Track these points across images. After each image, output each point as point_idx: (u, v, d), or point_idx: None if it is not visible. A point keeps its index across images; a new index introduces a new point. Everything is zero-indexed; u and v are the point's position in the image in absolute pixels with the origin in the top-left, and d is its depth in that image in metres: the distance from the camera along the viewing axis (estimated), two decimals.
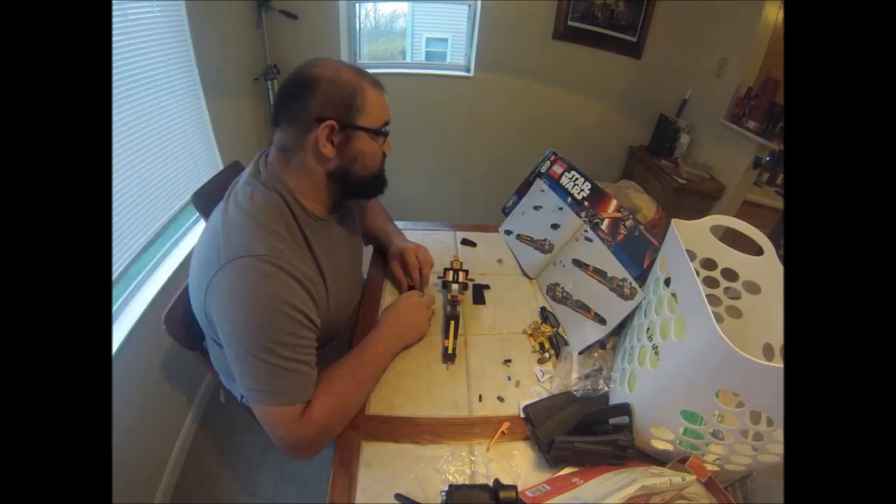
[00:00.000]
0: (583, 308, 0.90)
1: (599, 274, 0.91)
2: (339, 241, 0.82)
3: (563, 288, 0.97)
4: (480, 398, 0.76)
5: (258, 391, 0.62)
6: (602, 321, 0.84)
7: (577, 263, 0.97)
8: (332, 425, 0.67)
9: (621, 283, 0.85)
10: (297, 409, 0.63)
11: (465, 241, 1.17)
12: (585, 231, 0.98)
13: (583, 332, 0.86)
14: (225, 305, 0.62)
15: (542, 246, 1.06)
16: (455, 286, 0.92)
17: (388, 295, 0.98)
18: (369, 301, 0.95)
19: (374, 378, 0.76)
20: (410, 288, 0.96)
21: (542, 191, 1.13)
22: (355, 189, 0.77)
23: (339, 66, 0.69)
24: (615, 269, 0.89)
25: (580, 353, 0.82)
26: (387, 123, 0.74)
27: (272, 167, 0.71)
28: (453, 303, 0.90)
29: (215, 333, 0.66)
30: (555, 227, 1.05)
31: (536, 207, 1.12)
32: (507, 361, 0.83)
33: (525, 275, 1.07)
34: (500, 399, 0.76)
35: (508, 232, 1.17)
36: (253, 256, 0.61)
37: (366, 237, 1.07)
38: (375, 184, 0.79)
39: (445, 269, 0.97)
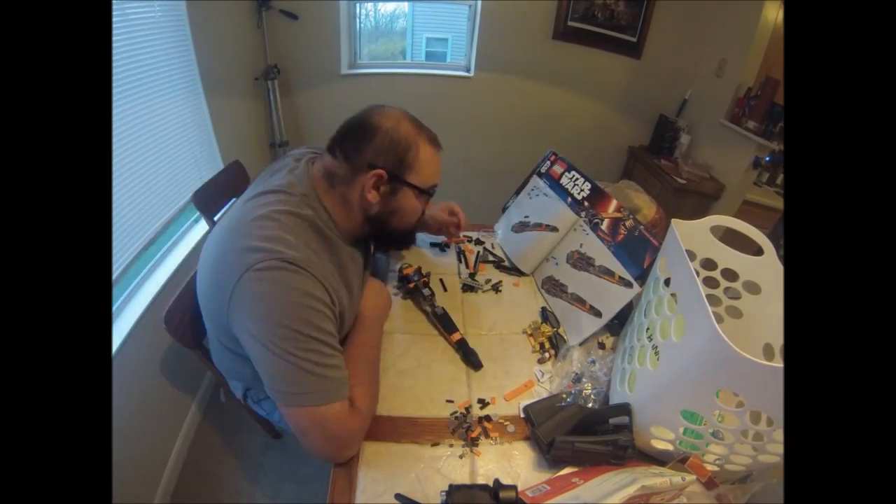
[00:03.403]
0: (578, 301, 0.91)
1: (589, 263, 0.93)
2: (356, 262, 0.80)
3: (558, 281, 0.98)
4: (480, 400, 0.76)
5: (303, 394, 0.58)
6: (597, 313, 0.85)
7: (569, 257, 0.98)
8: (373, 412, 0.69)
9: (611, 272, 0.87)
10: (345, 404, 0.61)
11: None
12: (582, 227, 0.99)
13: (579, 325, 0.87)
14: (257, 307, 0.58)
15: (542, 226, 1.06)
16: (426, 290, 0.93)
17: None
18: None
19: (379, 361, 0.78)
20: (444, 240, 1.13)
21: (535, 188, 1.13)
22: (386, 237, 0.80)
23: (401, 117, 0.71)
24: (605, 259, 0.90)
25: (578, 346, 0.83)
26: (434, 186, 0.76)
27: (313, 181, 0.70)
28: (432, 302, 0.91)
29: (229, 337, 0.64)
30: (551, 228, 1.05)
31: (518, 226, 1.13)
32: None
33: (522, 273, 1.08)
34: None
35: (508, 230, 1.17)
36: (282, 259, 0.58)
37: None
38: (406, 238, 0.86)
39: (404, 276, 0.96)
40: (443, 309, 0.89)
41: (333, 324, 0.63)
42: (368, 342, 0.77)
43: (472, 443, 0.68)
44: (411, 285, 0.94)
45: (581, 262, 0.95)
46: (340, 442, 0.62)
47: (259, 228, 0.62)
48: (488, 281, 1.04)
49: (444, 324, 0.87)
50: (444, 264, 1.09)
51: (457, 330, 0.86)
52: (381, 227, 0.76)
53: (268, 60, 2.04)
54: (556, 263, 1.01)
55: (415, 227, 0.83)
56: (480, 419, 0.72)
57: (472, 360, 0.81)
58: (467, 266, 1.08)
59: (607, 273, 0.88)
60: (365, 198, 0.70)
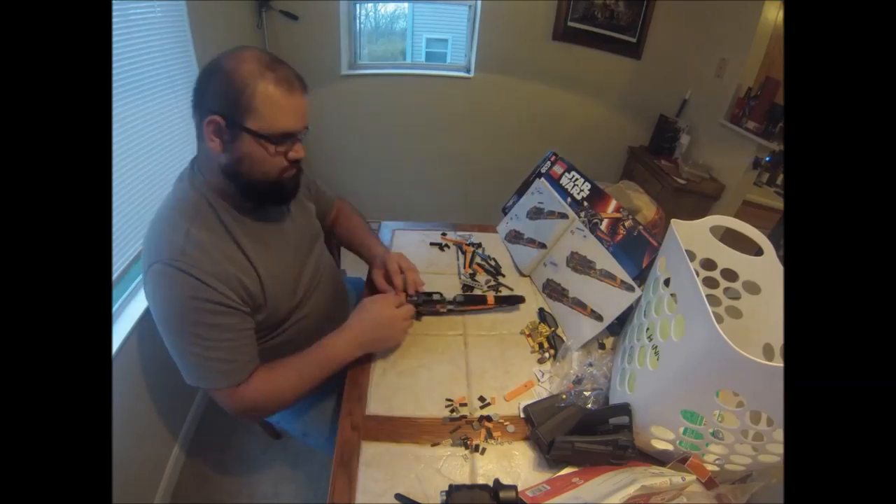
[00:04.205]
0: (579, 305, 0.90)
1: (590, 266, 0.92)
2: (275, 229, 0.80)
3: (559, 285, 0.97)
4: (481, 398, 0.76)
5: (195, 377, 0.69)
6: (598, 317, 0.85)
7: (569, 261, 0.98)
8: (264, 408, 0.76)
9: (612, 275, 0.87)
10: (226, 391, 0.69)
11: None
12: (580, 228, 0.99)
13: (579, 330, 0.87)
14: (153, 310, 0.68)
15: (534, 243, 1.07)
16: (436, 296, 0.90)
17: None
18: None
19: (320, 377, 0.76)
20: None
21: (538, 192, 1.13)
22: (250, 192, 0.71)
23: (247, 57, 0.64)
24: (607, 262, 0.90)
25: (578, 350, 0.83)
26: (286, 133, 0.67)
27: (198, 158, 0.73)
28: (444, 299, 0.90)
29: None
30: (546, 224, 1.05)
31: (534, 211, 1.12)
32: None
33: (521, 274, 1.07)
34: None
35: (507, 236, 1.17)
36: (159, 262, 0.64)
37: (344, 246, 1.11)
38: (271, 192, 0.73)
39: (415, 294, 0.89)
40: (462, 295, 0.93)
41: (214, 313, 0.66)
42: (315, 358, 0.75)
43: (474, 446, 0.68)
44: (419, 307, 0.89)
45: (581, 265, 0.95)
46: (231, 412, 0.72)
47: (150, 231, 0.69)
48: (487, 281, 1.04)
49: (473, 300, 0.92)
50: (445, 264, 1.09)
51: (485, 298, 0.93)
52: (238, 181, 0.69)
53: None
54: (556, 267, 1.01)
55: (279, 180, 0.71)
56: (481, 419, 0.72)
57: (512, 300, 0.93)
58: (464, 266, 1.08)
59: (609, 277, 0.88)
60: (210, 148, 0.65)
